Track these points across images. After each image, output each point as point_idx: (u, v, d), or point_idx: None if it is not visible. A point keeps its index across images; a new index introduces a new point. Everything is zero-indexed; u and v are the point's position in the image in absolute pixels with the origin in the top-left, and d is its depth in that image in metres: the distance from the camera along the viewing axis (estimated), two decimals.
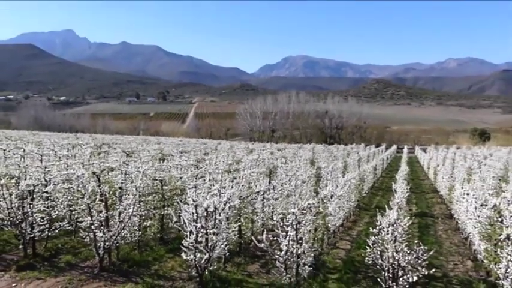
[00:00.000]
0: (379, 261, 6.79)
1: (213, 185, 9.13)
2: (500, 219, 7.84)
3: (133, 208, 8.35)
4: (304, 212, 7.09)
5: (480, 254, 9.40)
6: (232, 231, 9.07)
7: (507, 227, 7.17)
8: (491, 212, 8.85)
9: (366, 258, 7.08)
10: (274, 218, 7.54)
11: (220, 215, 7.16)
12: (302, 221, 7.02)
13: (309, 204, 7.23)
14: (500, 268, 7.06)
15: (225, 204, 7.32)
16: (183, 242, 7.08)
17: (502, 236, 7.29)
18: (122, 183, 9.85)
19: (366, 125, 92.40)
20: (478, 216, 9.60)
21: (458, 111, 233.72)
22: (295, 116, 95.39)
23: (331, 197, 10.22)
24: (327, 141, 79.28)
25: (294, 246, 6.96)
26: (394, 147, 60.26)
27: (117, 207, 8.51)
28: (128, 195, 8.73)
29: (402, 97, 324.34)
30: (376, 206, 18.47)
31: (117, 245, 8.55)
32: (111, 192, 8.88)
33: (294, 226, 6.89)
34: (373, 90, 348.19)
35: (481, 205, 9.75)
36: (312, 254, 7.85)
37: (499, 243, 7.46)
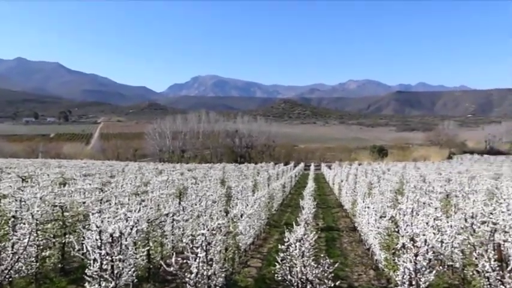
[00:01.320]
0: (289, 276, 6.93)
1: (119, 209, 8.76)
2: (397, 229, 8.41)
3: (29, 238, 7.71)
4: (214, 232, 7.06)
5: (381, 263, 10.00)
6: (140, 256, 8.74)
7: (402, 236, 7.72)
8: (389, 223, 9.50)
9: (276, 275, 7.20)
10: (184, 240, 7.40)
11: (126, 240, 6.87)
12: (212, 241, 6.97)
13: (218, 224, 7.22)
14: (398, 275, 7.56)
15: (131, 229, 7.05)
16: (86, 271, 6.66)
17: (398, 245, 7.83)
18: (16, 211, 9.08)
19: (274, 144, 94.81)
20: (378, 228, 10.23)
21: (359, 129, 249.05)
22: (205, 136, 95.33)
23: (242, 216, 10.30)
24: (237, 160, 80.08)
25: (205, 268, 6.87)
26: (302, 164, 62.37)
27: (11, 237, 7.81)
28: (23, 224, 8.07)
29: (308, 116, 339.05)
30: (285, 222, 18.89)
31: (10, 279, 7.81)
32: (2, 222, 8.14)
33: (204, 247, 6.82)
34: (281, 110, 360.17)
35: (380, 217, 10.43)
36: (223, 275, 7.80)
37: (397, 252, 7.99)
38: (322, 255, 7.24)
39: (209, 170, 38.58)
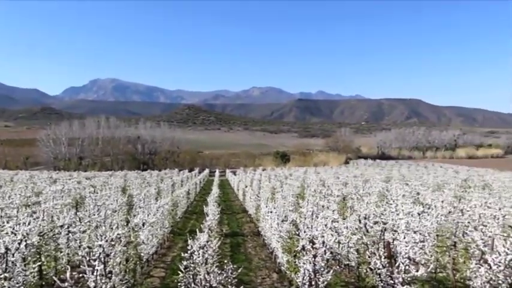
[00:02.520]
0: (192, 285, 6.87)
1: (6, 223, 8.04)
2: (297, 232, 8.73)
3: None
4: (113, 243, 6.77)
5: (283, 266, 10.31)
6: (31, 272, 8.09)
7: (302, 238, 8.04)
8: (290, 227, 9.83)
9: (179, 284, 7.09)
10: (80, 253, 6.99)
11: (13, 256, 6.33)
12: (111, 253, 6.68)
13: (118, 234, 6.94)
14: (298, 277, 7.85)
15: (19, 244, 6.51)
16: None
17: (298, 247, 8.15)
18: None
19: (179, 150, 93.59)
20: (280, 231, 10.55)
21: (262, 135, 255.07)
22: (105, 142, 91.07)
23: (144, 225, 10.00)
24: (140, 167, 77.66)
25: (103, 281, 6.55)
26: (207, 171, 62.32)
27: None
28: None
29: (212, 123, 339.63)
30: (190, 229, 18.71)
31: None
32: None
33: (102, 259, 6.50)
34: (185, 116, 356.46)
35: (282, 221, 10.76)
36: (124, 287, 7.52)
37: (297, 254, 8.29)
38: (226, 261, 7.27)
39: (109, 177, 37.01)
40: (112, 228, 7.61)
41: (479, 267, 8.16)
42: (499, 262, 7.86)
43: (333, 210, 12.49)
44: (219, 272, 6.84)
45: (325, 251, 7.71)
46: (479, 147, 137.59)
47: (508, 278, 7.91)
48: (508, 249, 7.84)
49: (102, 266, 6.54)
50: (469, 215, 10.51)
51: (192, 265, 6.94)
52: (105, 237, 6.70)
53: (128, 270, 8.36)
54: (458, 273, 9.94)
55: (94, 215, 11.90)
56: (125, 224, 11.94)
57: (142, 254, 10.11)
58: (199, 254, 6.86)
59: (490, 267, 7.95)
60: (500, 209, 12.07)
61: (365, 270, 9.31)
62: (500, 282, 7.88)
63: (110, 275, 6.69)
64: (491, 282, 7.94)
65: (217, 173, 54.86)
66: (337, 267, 11.06)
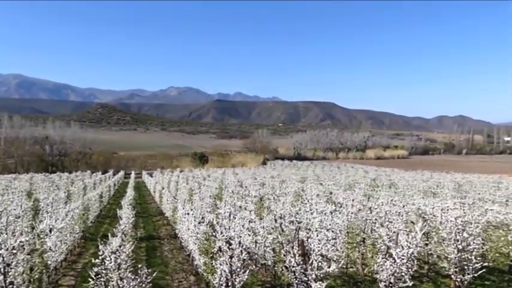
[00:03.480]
0: None
1: None
2: (214, 233, 8.73)
3: None
4: (15, 251, 6.29)
5: (200, 268, 10.24)
6: None
7: (219, 240, 8.05)
8: (207, 228, 9.80)
9: None
10: None
11: None
12: (12, 262, 6.21)
13: (21, 242, 6.47)
14: (215, 278, 7.85)
15: None
16: None
17: (215, 248, 8.14)
18: None
19: (91, 151, 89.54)
20: (197, 233, 10.47)
21: (180, 136, 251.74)
22: (8, 143, 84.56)
23: (51, 231, 9.42)
24: (48, 169, 73.09)
25: None
26: (122, 172, 60.29)
27: None
28: None
29: (128, 123, 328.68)
30: (103, 234, 17.96)
31: None
32: None
33: (2, 270, 6.02)
34: (98, 115, 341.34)
35: (199, 222, 10.69)
36: None
37: (214, 256, 8.28)
38: (141, 265, 7.07)
39: (13, 181, 34.50)
40: (14, 235, 7.06)
41: (385, 261, 8.70)
42: (402, 255, 8.44)
43: (250, 211, 12.64)
44: (133, 277, 6.64)
45: (241, 251, 7.78)
46: (387, 148, 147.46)
47: (410, 269, 8.52)
48: (410, 243, 8.45)
49: (1, 277, 6.06)
50: (376, 213, 11.16)
51: (104, 271, 6.67)
52: (5, 245, 6.21)
53: (32, 280, 7.83)
54: (366, 268, 10.54)
55: None
56: (30, 230, 11.16)
57: (49, 262, 9.52)
58: (111, 259, 6.60)
59: (395, 261, 8.52)
60: (404, 206, 12.97)
61: (281, 269, 9.55)
62: (403, 274, 8.46)
63: (11, 285, 6.21)
64: (395, 274, 8.50)
65: (133, 175, 53.28)
66: (254, 266, 11.21)
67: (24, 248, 6.67)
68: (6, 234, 10.76)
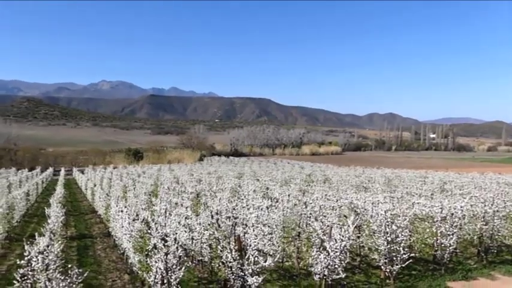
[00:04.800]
0: None
1: None
2: (149, 230, 8.55)
3: None
4: None
5: (135, 266, 10.00)
6: None
7: (154, 237, 7.90)
8: (142, 225, 9.58)
9: None
10: None
11: None
12: None
13: None
14: (151, 276, 7.70)
15: None
16: None
17: (150, 246, 7.99)
18: None
19: (16, 147, 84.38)
20: (131, 231, 10.21)
21: (113, 132, 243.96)
22: None
23: None
24: None
25: None
26: (50, 169, 57.46)
27: None
28: None
29: (56, 117, 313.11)
30: (30, 234, 17.05)
31: None
32: None
33: None
34: (24, 109, 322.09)
35: (134, 220, 10.43)
36: None
37: (149, 253, 8.12)
38: (71, 265, 6.79)
39: None
40: None
41: (319, 254, 8.98)
42: (336, 248, 8.75)
43: (187, 207, 12.53)
44: (62, 277, 6.35)
45: (177, 248, 7.70)
46: (321, 144, 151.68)
47: (342, 262, 8.84)
48: (342, 236, 8.76)
49: None
50: (311, 207, 11.45)
51: (30, 273, 6.33)
52: None
53: None
54: (302, 261, 10.81)
55: None
56: None
57: None
58: (38, 259, 6.28)
59: (329, 254, 8.80)
60: (337, 201, 13.43)
61: (218, 265, 9.56)
62: (336, 266, 8.77)
63: None
64: (329, 267, 8.79)
65: (62, 172, 50.90)
66: (191, 263, 11.13)
67: None
68: None
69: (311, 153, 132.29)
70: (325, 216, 10.65)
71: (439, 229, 10.88)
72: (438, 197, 16.12)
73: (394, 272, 9.84)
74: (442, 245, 10.82)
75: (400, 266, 9.70)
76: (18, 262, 6.68)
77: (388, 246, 9.80)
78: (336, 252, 8.76)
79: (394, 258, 9.73)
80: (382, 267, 10.03)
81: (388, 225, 9.89)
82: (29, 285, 6.25)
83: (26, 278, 6.31)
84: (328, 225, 9.50)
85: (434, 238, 11.10)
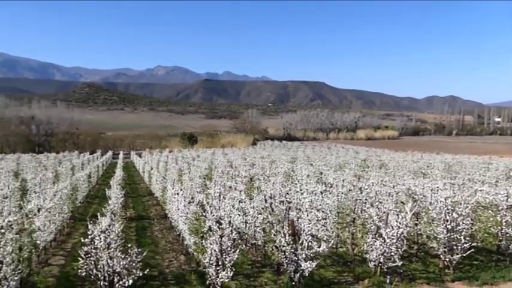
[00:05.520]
0: (94, 271, 6.64)
1: None
2: (204, 213, 8.78)
3: None
4: (3, 231, 6.29)
5: (190, 248, 10.32)
6: None
7: (209, 219, 8.11)
8: (197, 208, 9.84)
9: (80, 271, 6.80)
10: None
11: None
12: (1, 241, 6.21)
13: (9, 221, 6.45)
14: (206, 258, 7.93)
15: None
16: None
17: (205, 228, 8.21)
18: None
19: (78, 131, 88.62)
20: (187, 213, 10.52)
21: (168, 116, 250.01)
22: None
23: (39, 211, 9.41)
24: (35, 149, 72.42)
25: None
26: (110, 153, 59.96)
27: None
28: None
29: (115, 102, 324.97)
30: (92, 214, 17.92)
31: None
32: None
33: None
34: (85, 95, 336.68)
35: (189, 202, 10.73)
36: (17, 277, 7.03)
37: (204, 235, 8.35)
38: (131, 245, 7.12)
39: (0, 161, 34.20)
40: (2, 215, 7.04)
41: (375, 241, 8.86)
42: (392, 235, 8.59)
43: (240, 191, 12.71)
44: (122, 256, 6.68)
45: (231, 230, 7.86)
46: (377, 129, 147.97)
47: (399, 249, 8.69)
48: (399, 223, 8.58)
49: None
50: (366, 193, 11.29)
51: (93, 251, 6.70)
52: None
53: (21, 259, 7.84)
54: (356, 247, 10.70)
55: None
56: (18, 210, 11.13)
57: (38, 242, 9.54)
58: (100, 238, 6.63)
59: (384, 241, 8.67)
60: (394, 187, 13.14)
61: (271, 248, 9.66)
62: (393, 254, 8.62)
63: (0, 265, 6.22)
64: (385, 254, 8.66)
65: (121, 155, 53.00)
66: (244, 246, 11.33)
67: (12, 228, 6.67)
68: None
69: (366, 137, 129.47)
70: (381, 202, 10.47)
71: (504, 218, 10.41)
72: (503, 185, 15.39)
73: (454, 262, 9.55)
74: (507, 235, 10.36)
75: (460, 255, 9.40)
76: (82, 240, 7.07)
77: (448, 234, 9.51)
78: (393, 239, 8.62)
79: (454, 247, 9.44)
80: (441, 256, 9.75)
81: (448, 212, 9.57)
82: (93, 262, 6.62)
83: (89, 255, 6.69)
84: (384, 212, 9.35)
85: (499, 227, 10.63)
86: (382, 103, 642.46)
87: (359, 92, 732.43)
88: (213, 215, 7.99)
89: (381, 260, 8.81)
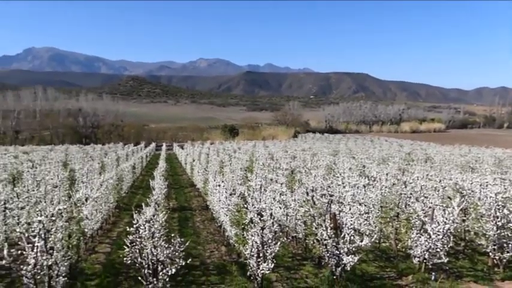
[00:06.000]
0: (139, 259, 6.85)
1: None
2: (245, 205, 8.86)
3: None
4: (54, 218, 6.58)
5: (232, 239, 10.47)
6: None
7: (251, 211, 8.18)
8: (239, 200, 9.94)
9: (125, 259, 7.04)
10: (18, 230, 6.76)
11: None
12: (52, 228, 6.50)
13: (59, 209, 6.74)
14: (247, 249, 8.01)
15: None
16: None
17: (247, 220, 8.29)
18: None
19: (123, 123, 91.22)
20: (228, 205, 10.66)
21: (210, 109, 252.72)
22: (43, 115, 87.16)
23: (87, 200, 9.78)
24: (82, 141, 75.18)
25: (44, 258, 6.38)
26: (153, 144, 61.37)
27: None
28: None
29: (158, 95, 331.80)
30: (136, 204, 18.44)
31: None
32: None
33: (42, 235, 6.32)
34: (129, 88, 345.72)
35: (230, 194, 10.86)
36: (67, 263, 7.36)
37: (246, 227, 8.44)
38: (173, 235, 7.29)
39: (49, 152, 35.72)
40: (53, 204, 7.38)
41: (420, 237, 8.68)
42: (438, 231, 8.38)
43: (281, 184, 12.74)
44: (166, 245, 6.86)
45: (273, 223, 7.90)
46: (423, 121, 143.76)
47: (445, 246, 8.47)
48: (446, 219, 8.36)
49: (42, 242, 6.36)
50: (411, 187, 11.05)
51: (138, 239, 6.90)
52: (45, 213, 6.49)
53: (71, 246, 8.20)
54: (400, 243, 10.50)
55: (33, 190, 11.52)
56: (67, 199, 11.61)
57: (86, 230, 9.93)
58: (145, 228, 6.83)
59: (430, 237, 8.47)
60: (440, 181, 12.78)
61: (312, 242, 9.65)
62: (438, 250, 8.42)
63: (51, 251, 6.52)
64: (430, 250, 8.47)
65: (164, 147, 54.15)
66: (285, 239, 11.36)
67: (62, 216, 6.97)
68: (45, 202, 11.25)
69: (411, 130, 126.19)
70: (426, 197, 10.23)
71: None
72: None
73: (505, 260, 9.22)
74: None
75: (511, 253, 9.07)
76: (127, 229, 7.31)
77: (498, 231, 9.18)
78: (439, 235, 8.42)
79: (505, 245, 9.11)
80: (490, 254, 9.44)
81: (498, 209, 9.24)
82: (137, 250, 6.83)
83: (134, 244, 6.91)
84: (430, 207, 9.13)
85: None
86: (428, 95, 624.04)
87: (404, 83, 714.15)
88: (255, 207, 8.04)
89: (426, 256, 8.63)
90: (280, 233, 10.15)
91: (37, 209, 6.71)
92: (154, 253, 6.70)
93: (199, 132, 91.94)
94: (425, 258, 8.68)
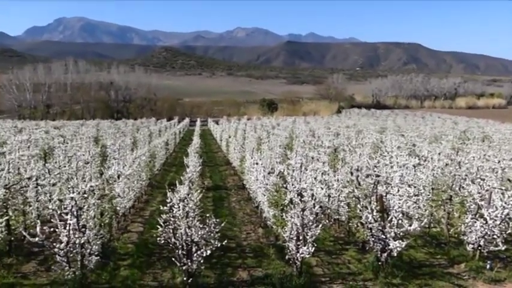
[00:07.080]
0: (173, 239, 7.01)
1: None
2: (285, 185, 8.87)
3: None
4: (86, 196, 6.82)
5: (269, 221, 10.54)
6: None
7: (290, 192, 8.18)
8: (277, 179, 9.96)
9: (158, 238, 7.23)
10: (50, 207, 7.05)
11: None
12: (84, 206, 6.74)
13: (91, 186, 6.97)
14: (286, 231, 8.06)
15: None
16: None
17: (286, 201, 8.30)
18: None
19: (156, 97, 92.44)
20: (266, 184, 10.69)
21: (247, 82, 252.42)
22: (74, 88, 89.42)
23: (119, 177, 10.05)
24: (113, 116, 76.94)
25: (76, 236, 6.65)
26: (187, 120, 62.08)
27: None
28: None
29: (193, 67, 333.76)
30: (169, 182, 18.76)
31: None
32: None
33: (74, 213, 6.57)
34: (162, 59, 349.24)
35: (269, 173, 10.88)
36: (99, 242, 7.64)
37: (285, 208, 8.47)
38: (208, 215, 7.41)
39: (80, 127, 36.83)
40: (84, 181, 7.62)
41: (475, 222, 8.46)
42: (495, 216, 8.14)
43: (323, 162, 12.65)
44: (200, 226, 6.98)
45: (314, 204, 7.88)
46: (481, 96, 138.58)
47: (503, 232, 8.23)
48: (505, 203, 8.10)
49: (74, 220, 6.61)
50: (466, 168, 10.75)
51: (171, 219, 7.05)
52: (77, 190, 6.73)
53: (103, 224, 8.48)
54: (452, 228, 10.29)
55: (64, 166, 11.92)
56: (99, 176, 11.98)
57: (118, 208, 10.23)
58: (179, 207, 6.96)
59: (486, 222, 8.25)
60: (499, 162, 12.35)
61: (356, 225, 9.59)
62: (495, 236, 8.19)
63: (83, 229, 6.78)
64: (486, 236, 8.26)
65: (198, 123, 54.73)
66: (327, 221, 11.35)
67: (94, 193, 7.20)
68: (77, 179, 11.65)
69: (467, 106, 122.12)
70: (483, 179, 9.93)
71: None
72: None
73: None
74: None
75: None
76: (160, 208, 7.48)
77: None
78: (496, 220, 8.20)
79: None
80: None
81: None
82: (171, 230, 6.99)
83: (168, 223, 7.07)
84: (487, 190, 8.87)
85: None
86: (487, 67, 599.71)
87: (460, 54, 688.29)
88: (295, 187, 8.04)
89: (481, 243, 8.43)
90: (322, 215, 10.14)
91: (69, 186, 6.96)
92: (189, 233, 6.83)
93: (235, 107, 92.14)
94: (480, 245, 8.49)
